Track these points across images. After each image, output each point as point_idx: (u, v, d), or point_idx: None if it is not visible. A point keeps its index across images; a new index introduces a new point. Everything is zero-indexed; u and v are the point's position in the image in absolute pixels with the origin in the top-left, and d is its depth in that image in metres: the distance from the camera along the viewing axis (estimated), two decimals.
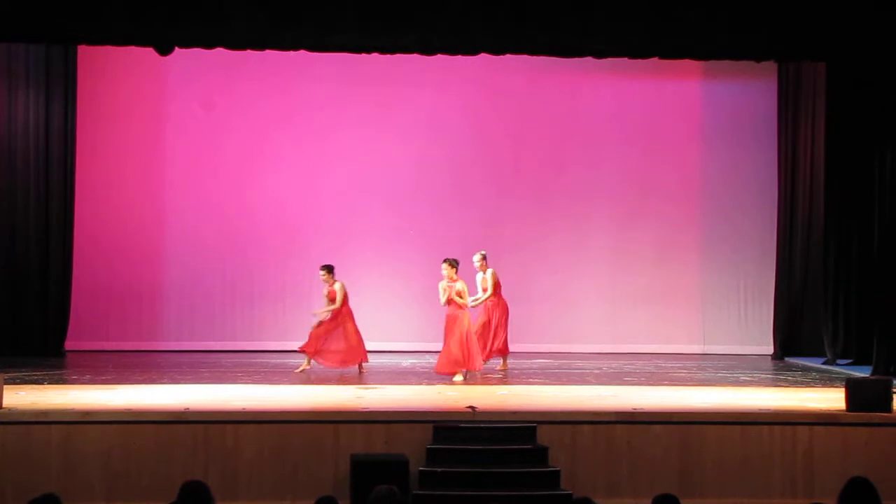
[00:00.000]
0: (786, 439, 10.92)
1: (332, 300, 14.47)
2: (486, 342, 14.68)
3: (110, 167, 17.61)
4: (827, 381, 14.40)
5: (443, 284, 13.75)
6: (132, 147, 17.74)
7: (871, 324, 15.27)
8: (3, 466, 10.33)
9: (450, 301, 13.69)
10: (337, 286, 14.46)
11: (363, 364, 14.52)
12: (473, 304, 14.38)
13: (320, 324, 14.38)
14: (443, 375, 13.72)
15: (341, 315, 14.42)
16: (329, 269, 14.55)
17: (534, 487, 10.29)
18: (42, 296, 16.54)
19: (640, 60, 14.87)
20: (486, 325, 14.79)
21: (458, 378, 13.58)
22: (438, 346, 17.38)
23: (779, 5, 12.96)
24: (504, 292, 18.33)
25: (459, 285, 13.76)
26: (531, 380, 14.25)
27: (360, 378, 14.09)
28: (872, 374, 14.09)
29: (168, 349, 17.34)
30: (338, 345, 14.39)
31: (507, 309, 15.03)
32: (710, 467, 10.87)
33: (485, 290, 14.75)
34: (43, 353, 16.02)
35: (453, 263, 13.83)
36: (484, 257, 14.89)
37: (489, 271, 14.84)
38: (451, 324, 13.71)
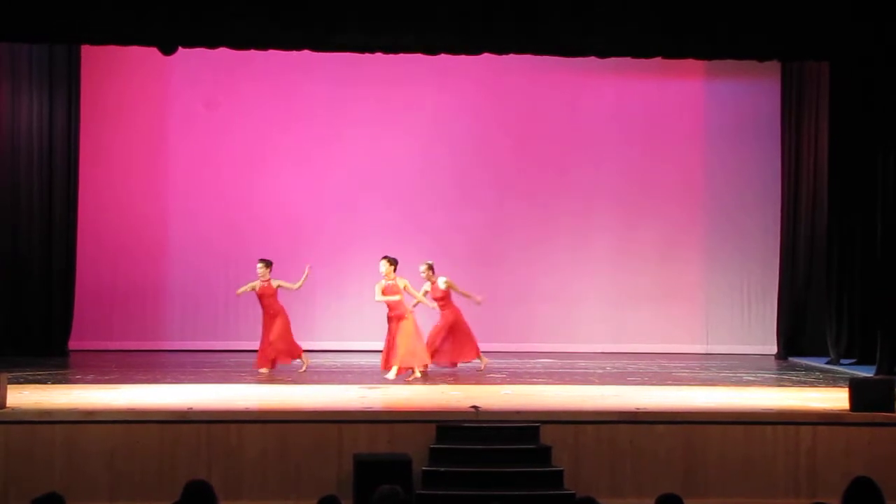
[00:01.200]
0: (789, 439, 10.93)
1: (268, 296, 14.42)
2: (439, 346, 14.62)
3: (114, 167, 17.62)
4: (830, 380, 14.40)
5: (379, 284, 13.79)
6: (136, 147, 17.74)
7: (874, 323, 15.26)
8: (7, 466, 10.35)
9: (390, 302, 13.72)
10: (276, 283, 14.50)
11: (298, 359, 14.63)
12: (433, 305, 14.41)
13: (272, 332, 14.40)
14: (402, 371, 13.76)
15: (282, 314, 14.46)
16: (268, 264, 14.53)
17: (537, 487, 10.30)
18: (45, 295, 16.55)
19: (642, 60, 14.86)
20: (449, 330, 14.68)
21: (391, 375, 13.63)
22: None
23: (782, 5, 12.95)
24: (507, 292, 18.38)
25: (402, 283, 13.78)
26: (534, 379, 14.25)
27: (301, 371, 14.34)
28: (876, 373, 14.10)
29: (171, 349, 17.36)
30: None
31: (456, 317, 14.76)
32: (713, 467, 10.87)
33: (437, 299, 14.47)
34: (46, 352, 16.02)
35: (392, 261, 13.82)
36: (430, 267, 14.63)
37: (442, 279, 14.57)
38: (396, 323, 13.77)
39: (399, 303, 13.82)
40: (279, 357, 14.46)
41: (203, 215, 17.80)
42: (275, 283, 14.49)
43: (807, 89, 17.72)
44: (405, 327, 13.74)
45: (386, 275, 13.77)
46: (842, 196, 16.43)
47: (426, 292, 14.41)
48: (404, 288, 13.82)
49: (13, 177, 16.53)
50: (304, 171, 18.06)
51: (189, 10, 12.49)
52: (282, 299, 14.69)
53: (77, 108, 16.65)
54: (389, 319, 14.00)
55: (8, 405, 10.69)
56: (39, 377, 13.44)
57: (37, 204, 16.56)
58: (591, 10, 12.79)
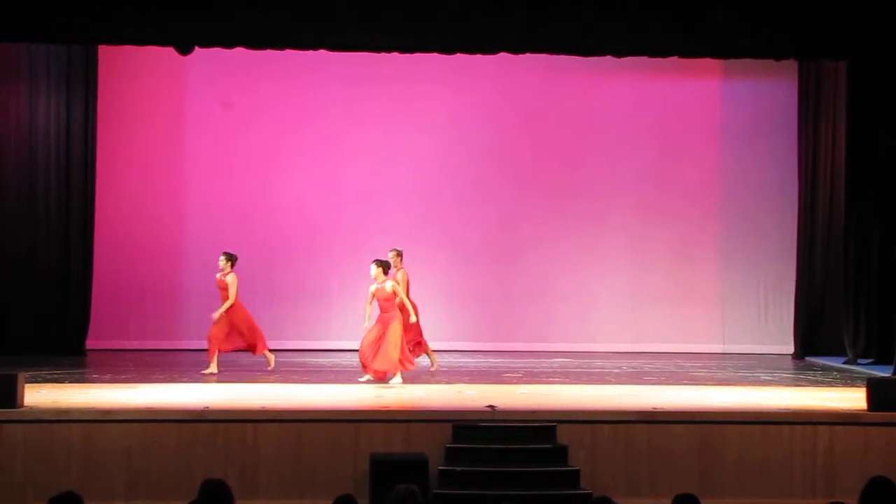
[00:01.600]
0: (806, 439, 10.91)
1: (223, 289, 14.16)
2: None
3: (131, 167, 17.66)
4: (848, 380, 14.36)
5: (371, 288, 13.59)
6: (153, 147, 17.78)
7: (892, 323, 15.21)
8: (25, 465, 10.40)
9: (380, 303, 13.57)
10: (231, 278, 14.14)
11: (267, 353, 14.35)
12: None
13: (216, 323, 14.11)
14: (380, 375, 13.36)
15: (238, 307, 14.18)
16: (230, 258, 14.25)
17: (553, 487, 10.29)
18: (63, 295, 16.61)
19: (659, 59, 14.84)
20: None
21: (398, 379, 13.29)
22: (459, 344, 17.44)
23: (799, 3, 12.91)
24: (523, 291, 18.31)
25: (389, 286, 13.56)
26: (551, 379, 14.24)
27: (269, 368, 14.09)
28: (894, 373, 14.06)
29: (188, 348, 17.34)
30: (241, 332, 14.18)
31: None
32: (730, 467, 10.86)
33: (395, 294, 13.66)
34: (64, 351, 16.06)
35: (380, 264, 13.67)
36: (398, 254, 14.22)
37: (400, 272, 14.10)
38: (386, 325, 13.46)
39: (390, 305, 13.65)
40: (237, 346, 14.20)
41: (219, 215, 17.82)
42: (229, 279, 14.15)
43: (824, 89, 17.66)
44: (396, 329, 13.47)
45: (375, 277, 13.63)
46: (859, 196, 16.36)
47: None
48: (392, 291, 13.64)
49: (31, 177, 16.60)
50: (319, 171, 18.07)
51: (206, 10, 12.52)
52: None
53: (94, 109, 16.70)
54: (380, 320, 13.64)
55: (25, 404, 10.74)
56: (57, 376, 13.48)
57: (54, 204, 16.62)
58: (608, 9, 12.77)
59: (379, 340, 13.35)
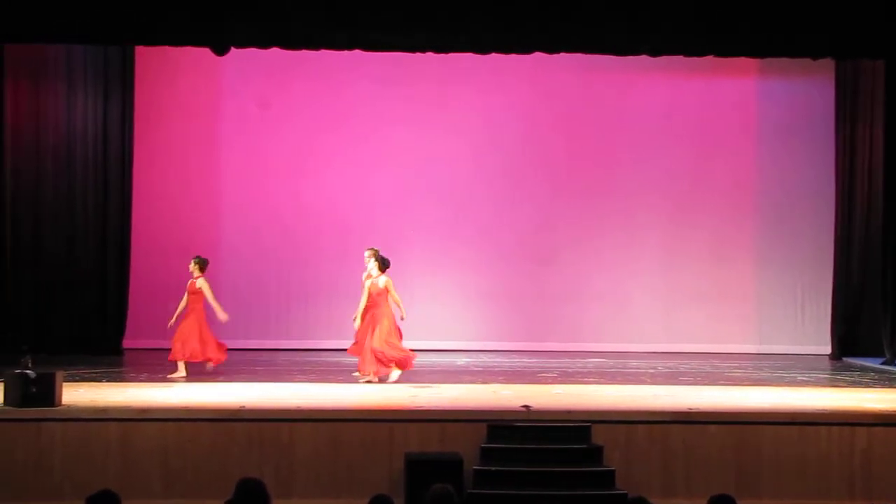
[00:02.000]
0: (844, 440, 10.84)
1: (190, 293, 14.06)
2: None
3: (167, 167, 17.75)
4: (886, 381, 14.27)
5: (366, 281, 13.63)
6: (189, 147, 17.86)
7: None
8: (63, 463, 10.47)
9: (371, 297, 13.54)
10: (201, 282, 14.05)
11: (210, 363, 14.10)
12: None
13: (181, 325, 13.96)
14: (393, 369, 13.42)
15: (197, 312, 14.06)
16: (199, 262, 14.14)
17: (588, 487, 10.27)
18: (100, 294, 16.71)
19: (694, 58, 14.78)
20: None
21: (395, 375, 13.37)
22: (494, 344, 17.37)
23: (836, 2, 12.82)
24: (558, 290, 18.25)
25: (382, 282, 13.53)
26: (586, 379, 14.22)
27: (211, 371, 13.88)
28: None
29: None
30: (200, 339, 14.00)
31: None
32: (766, 468, 10.81)
33: (387, 291, 13.55)
34: (101, 351, 16.15)
35: (377, 259, 13.60)
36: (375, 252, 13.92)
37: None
38: (375, 323, 13.43)
39: (381, 300, 13.55)
40: (191, 356, 13.94)
41: (255, 215, 17.90)
42: (199, 283, 14.11)
43: (861, 88, 17.54)
44: (386, 328, 13.42)
45: (369, 271, 13.68)
46: None
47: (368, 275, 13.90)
48: (385, 287, 13.61)
49: (69, 177, 16.71)
50: (353, 171, 18.10)
51: (241, 10, 12.58)
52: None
53: (131, 109, 16.79)
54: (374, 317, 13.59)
55: (63, 403, 10.81)
56: (94, 375, 13.58)
57: (92, 204, 16.73)
58: (644, 8, 12.74)
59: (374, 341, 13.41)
